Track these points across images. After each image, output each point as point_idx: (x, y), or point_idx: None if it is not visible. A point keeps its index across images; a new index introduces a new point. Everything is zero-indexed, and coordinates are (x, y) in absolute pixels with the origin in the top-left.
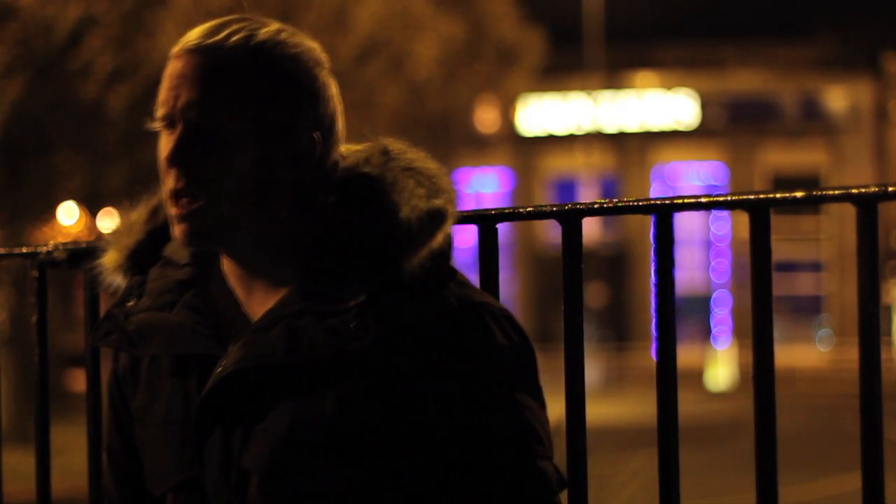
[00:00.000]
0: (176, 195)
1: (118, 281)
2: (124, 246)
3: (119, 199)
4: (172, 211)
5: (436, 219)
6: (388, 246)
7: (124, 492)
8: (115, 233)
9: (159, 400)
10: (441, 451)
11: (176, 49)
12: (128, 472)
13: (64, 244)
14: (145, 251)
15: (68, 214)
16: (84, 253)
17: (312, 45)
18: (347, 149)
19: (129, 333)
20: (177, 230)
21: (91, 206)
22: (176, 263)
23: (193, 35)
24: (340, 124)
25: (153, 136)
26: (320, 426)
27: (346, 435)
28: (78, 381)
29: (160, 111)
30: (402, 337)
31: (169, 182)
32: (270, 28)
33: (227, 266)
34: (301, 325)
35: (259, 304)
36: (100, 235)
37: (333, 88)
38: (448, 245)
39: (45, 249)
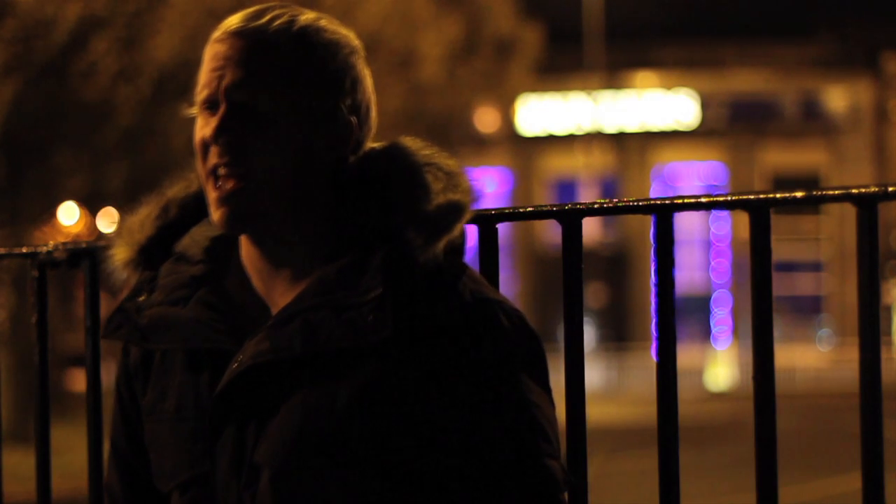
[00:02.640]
0: (215, 174)
1: (127, 277)
2: (135, 241)
3: (119, 199)
4: (213, 194)
5: (454, 212)
6: (406, 238)
7: (128, 487)
8: (124, 229)
9: (170, 395)
10: (450, 447)
11: (217, 33)
12: (133, 467)
13: (64, 244)
14: (156, 247)
15: (68, 214)
16: (84, 253)
17: (350, 34)
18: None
19: (140, 327)
20: (216, 213)
21: (91, 206)
22: (189, 259)
23: (235, 19)
24: (374, 114)
25: (153, 137)
26: (332, 420)
27: (358, 429)
28: (78, 381)
29: (202, 94)
30: (418, 331)
31: (211, 159)
32: (310, 15)
33: (248, 259)
34: (318, 318)
35: (280, 296)
36: (100, 235)
37: (369, 78)
38: (462, 241)
39: (45, 249)
